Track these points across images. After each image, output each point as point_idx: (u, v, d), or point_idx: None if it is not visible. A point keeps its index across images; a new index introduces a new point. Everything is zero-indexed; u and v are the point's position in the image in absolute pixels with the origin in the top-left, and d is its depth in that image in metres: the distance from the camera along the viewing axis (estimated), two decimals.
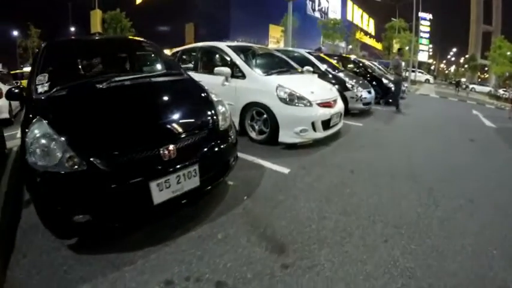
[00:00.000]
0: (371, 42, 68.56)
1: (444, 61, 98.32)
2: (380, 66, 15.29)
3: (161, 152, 2.42)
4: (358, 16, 67.26)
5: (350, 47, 47.13)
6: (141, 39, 4.69)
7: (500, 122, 9.80)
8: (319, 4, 53.10)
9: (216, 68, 5.49)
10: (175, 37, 37.63)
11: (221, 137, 3.03)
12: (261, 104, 4.99)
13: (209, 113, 3.09)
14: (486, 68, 62.21)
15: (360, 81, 8.95)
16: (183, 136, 2.67)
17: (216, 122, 3.05)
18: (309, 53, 9.03)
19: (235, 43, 6.66)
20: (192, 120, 2.96)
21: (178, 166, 2.49)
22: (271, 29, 40.93)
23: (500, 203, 3.48)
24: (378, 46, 61.35)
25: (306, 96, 4.91)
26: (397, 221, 2.95)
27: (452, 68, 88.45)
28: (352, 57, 13.77)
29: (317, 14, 51.06)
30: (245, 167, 4.13)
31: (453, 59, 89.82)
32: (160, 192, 2.39)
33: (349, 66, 11.95)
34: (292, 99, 4.81)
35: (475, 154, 5.49)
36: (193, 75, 6.34)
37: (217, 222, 2.84)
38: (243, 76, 5.37)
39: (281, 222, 2.87)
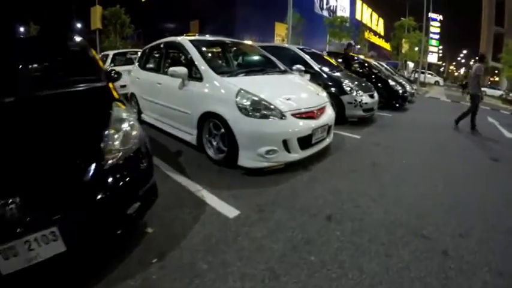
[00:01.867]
0: (380, 42, 66.75)
1: (454, 63, 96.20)
2: (388, 67, 13.93)
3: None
4: (368, 15, 65.51)
5: (358, 46, 45.69)
6: (69, 35, 3.75)
7: None
8: (327, 2, 51.67)
9: (170, 69, 4.39)
10: (180, 34, 36.73)
11: (114, 173, 2.01)
12: (217, 115, 3.78)
13: (96, 141, 2.10)
14: (496, 71, 60.24)
15: (363, 84, 7.62)
16: (35, 183, 1.82)
17: (103, 154, 2.03)
18: (301, 49, 7.74)
19: (202, 37, 5.39)
20: (59, 156, 1.99)
21: (23, 229, 1.69)
22: (277, 27, 40.01)
23: None
24: (387, 46, 59.80)
25: (277, 105, 3.63)
26: None
27: (462, 70, 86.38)
28: (360, 56, 12.45)
29: (325, 13, 49.69)
30: (183, 202, 3.02)
31: (463, 61, 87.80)
32: (7, 261, 1.65)
33: (354, 66, 10.68)
34: (257, 109, 3.55)
35: (503, 186, 4.10)
36: (155, 76, 5.32)
37: None
38: (200, 78, 4.18)
39: None
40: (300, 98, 4.08)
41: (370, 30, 60.66)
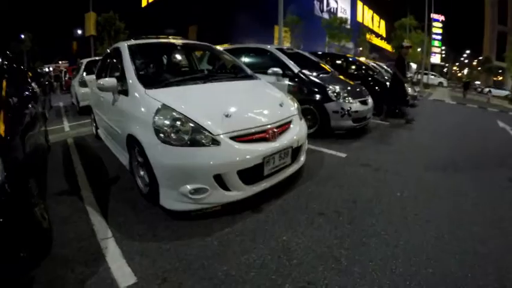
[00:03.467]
0: (382, 44, 65.63)
1: (457, 63, 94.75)
2: (388, 68, 12.85)
3: None
4: (369, 17, 64.42)
5: (360, 48, 44.69)
6: None
7: None
8: (328, 5, 50.89)
9: (98, 81, 3.60)
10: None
11: None
12: (136, 140, 2.82)
13: None
14: (500, 71, 58.82)
15: (356, 88, 6.53)
16: None
17: None
18: (280, 50, 6.72)
19: (148, 40, 4.37)
20: None
21: None
22: (276, 30, 39.46)
23: None
24: (389, 48, 58.89)
25: (208, 126, 2.63)
26: None
27: (466, 71, 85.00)
28: (358, 58, 11.46)
29: (325, 15, 48.84)
30: (80, 256, 2.27)
31: (466, 61, 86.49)
32: None
33: (350, 68, 9.79)
34: (178, 132, 2.57)
35: None
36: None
37: None
38: (127, 91, 3.28)
39: None
40: (247, 113, 3.06)
41: (372, 31, 59.61)
